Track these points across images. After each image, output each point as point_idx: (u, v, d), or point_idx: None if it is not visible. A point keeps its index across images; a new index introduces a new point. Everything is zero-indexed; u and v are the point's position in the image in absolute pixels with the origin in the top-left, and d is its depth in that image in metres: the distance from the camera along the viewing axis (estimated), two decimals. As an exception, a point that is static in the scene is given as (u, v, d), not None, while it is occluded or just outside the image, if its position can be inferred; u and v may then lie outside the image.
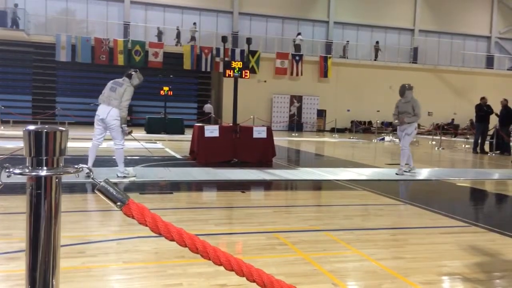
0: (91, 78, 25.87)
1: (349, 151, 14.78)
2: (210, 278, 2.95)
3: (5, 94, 23.94)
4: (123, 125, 6.86)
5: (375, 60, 30.02)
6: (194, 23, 26.63)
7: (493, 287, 3.06)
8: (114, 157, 7.46)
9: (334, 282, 3.00)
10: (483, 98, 14.88)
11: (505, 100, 14.86)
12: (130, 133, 7.03)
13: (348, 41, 29.63)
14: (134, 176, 7.09)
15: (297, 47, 28.46)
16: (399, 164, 8.73)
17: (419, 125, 31.15)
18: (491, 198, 7.13)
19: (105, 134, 7.08)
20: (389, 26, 31.14)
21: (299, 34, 28.77)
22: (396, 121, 8.62)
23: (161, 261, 3.28)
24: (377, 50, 30.12)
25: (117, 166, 7.11)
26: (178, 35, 26.35)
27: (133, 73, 7.05)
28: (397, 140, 19.94)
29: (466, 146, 17.23)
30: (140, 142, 10.93)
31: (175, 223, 1.31)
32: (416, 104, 8.39)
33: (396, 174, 8.47)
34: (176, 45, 26.07)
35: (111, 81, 7.04)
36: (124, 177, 6.98)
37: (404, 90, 8.52)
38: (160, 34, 26.11)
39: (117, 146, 6.96)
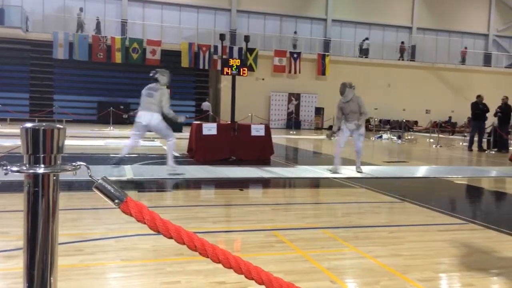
0: (88, 76, 25.79)
1: (347, 149, 14.75)
2: (209, 275, 2.96)
3: (2, 92, 23.84)
4: (179, 118, 7.60)
5: (402, 60, 30.35)
6: (80, 9, 25.46)
7: (490, 284, 3.07)
8: (119, 155, 7.62)
9: (332, 279, 3.00)
10: (479, 96, 14.92)
11: (506, 97, 14.91)
12: (186, 118, 8.04)
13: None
14: (181, 174, 7.33)
15: (365, 51, 29.67)
16: (396, 161, 8.72)
17: (416, 123, 30.85)
18: (488, 195, 7.15)
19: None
20: (387, 23, 31.13)
21: (366, 39, 29.81)
22: (354, 123, 8.19)
23: (160, 259, 3.28)
24: (403, 50, 30.48)
25: (127, 163, 7.45)
26: (97, 26, 25.81)
27: (157, 76, 7.43)
28: (394, 137, 19.99)
29: (464, 144, 17.26)
30: None
31: (173, 221, 1.31)
32: (361, 101, 8.14)
33: (330, 170, 8.28)
34: (96, 34, 25.19)
35: (145, 88, 7.47)
36: (176, 174, 7.24)
37: (345, 88, 8.13)
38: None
39: (169, 141, 7.42)
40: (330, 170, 8.26)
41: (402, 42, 30.56)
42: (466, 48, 31.94)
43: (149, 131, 7.57)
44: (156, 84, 7.36)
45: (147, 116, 7.23)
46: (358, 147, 8.47)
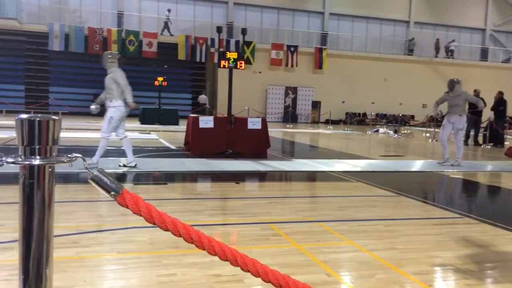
0: (84, 68, 25.66)
1: (344, 143, 14.81)
2: (205, 268, 2.96)
3: (-3, 83, 23.74)
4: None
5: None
6: (169, 10, 26.36)
7: (485, 278, 3.09)
8: (108, 147, 7.49)
9: (327, 272, 3.01)
10: (475, 91, 14.95)
11: (501, 92, 14.95)
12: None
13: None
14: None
15: (451, 52, 30.91)
16: (392, 155, 8.75)
17: (413, 117, 30.97)
18: (483, 190, 7.19)
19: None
20: (384, 17, 31.08)
21: (453, 41, 31.05)
22: (438, 112, 9.32)
23: (156, 251, 3.29)
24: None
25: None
26: (166, 25, 26.14)
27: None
28: (391, 132, 20.02)
29: (460, 138, 17.30)
30: None
31: (170, 213, 1.31)
32: (468, 95, 8.95)
33: (452, 165, 8.88)
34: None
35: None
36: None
37: (454, 84, 8.84)
38: (166, 25, 26.09)
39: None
40: (439, 162, 8.98)
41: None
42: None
43: None
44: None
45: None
46: (458, 144, 8.96)
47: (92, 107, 7.16)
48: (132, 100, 6.94)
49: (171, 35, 25.91)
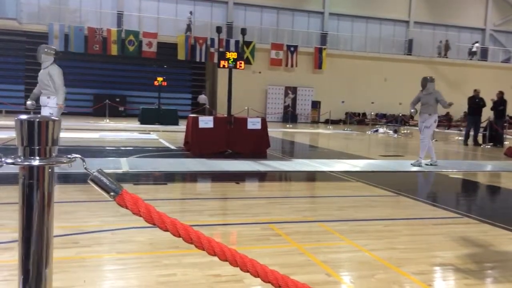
0: (84, 68, 25.64)
1: (343, 143, 14.81)
2: (204, 268, 2.96)
3: (-3, 83, 23.72)
4: None
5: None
6: (190, 12, 26.59)
7: (484, 278, 3.09)
8: (108, 148, 7.47)
9: (327, 272, 3.02)
10: (475, 91, 14.97)
11: (501, 92, 14.96)
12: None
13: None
14: None
15: (473, 53, 31.41)
16: (392, 155, 8.77)
17: (412, 117, 31.18)
18: (483, 189, 7.19)
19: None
20: (384, 17, 31.09)
21: (476, 42, 31.54)
22: (412, 110, 9.11)
23: (155, 252, 3.29)
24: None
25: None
26: (189, 27, 26.43)
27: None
28: (390, 132, 20.03)
29: (459, 138, 17.31)
30: None
31: (169, 214, 1.31)
32: (439, 95, 8.71)
33: (412, 164, 8.76)
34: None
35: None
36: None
37: (426, 82, 8.80)
38: (189, 26, 26.35)
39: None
40: (412, 164, 8.77)
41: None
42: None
43: None
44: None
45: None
46: (421, 137, 8.85)
47: (28, 102, 6.90)
48: (62, 103, 6.67)
49: (190, 33, 26.19)
